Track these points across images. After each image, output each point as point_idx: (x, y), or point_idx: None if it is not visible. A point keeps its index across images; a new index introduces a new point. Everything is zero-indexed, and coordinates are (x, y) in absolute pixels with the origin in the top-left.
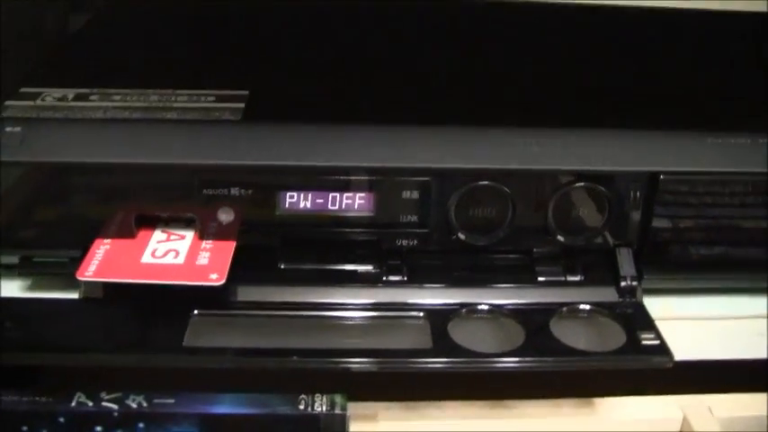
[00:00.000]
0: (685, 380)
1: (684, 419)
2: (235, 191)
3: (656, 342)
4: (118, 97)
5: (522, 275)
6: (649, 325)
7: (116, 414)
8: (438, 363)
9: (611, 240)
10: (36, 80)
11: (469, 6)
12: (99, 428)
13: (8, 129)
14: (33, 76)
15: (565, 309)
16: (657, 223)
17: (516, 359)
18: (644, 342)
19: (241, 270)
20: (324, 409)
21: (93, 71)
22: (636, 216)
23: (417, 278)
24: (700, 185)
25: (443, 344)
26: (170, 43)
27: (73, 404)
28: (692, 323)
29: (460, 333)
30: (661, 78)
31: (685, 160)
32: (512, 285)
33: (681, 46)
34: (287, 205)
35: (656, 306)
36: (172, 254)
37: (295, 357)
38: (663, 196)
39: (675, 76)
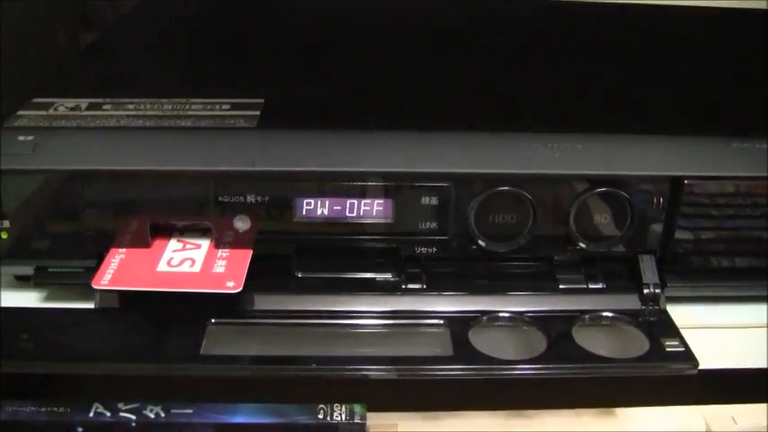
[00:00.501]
0: (708, 389)
1: (707, 429)
2: (251, 198)
3: (681, 349)
4: (131, 106)
5: (542, 283)
6: (673, 332)
7: (134, 424)
8: (459, 370)
9: (633, 247)
10: (49, 90)
11: (488, 10)
12: None
13: (21, 137)
14: (46, 86)
15: (587, 316)
16: (681, 230)
17: (539, 366)
18: (668, 349)
19: (258, 278)
20: (343, 418)
21: (106, 81)
22: (659, 222)
23: (437, 286)
24: (724, 191)
25: (464, 351)
26: (184, 53)
27: (90, 415)
28: (714, 332)
29: (481, 341)
30: (682, 82)
31: (709, 165)
32: (533, 293)
33: (701, 48)
34: (304, 213)
35: (677, 314)
36: (188, 262)
37: (314, 365)
38: (687, 201)
39: (697, 80)
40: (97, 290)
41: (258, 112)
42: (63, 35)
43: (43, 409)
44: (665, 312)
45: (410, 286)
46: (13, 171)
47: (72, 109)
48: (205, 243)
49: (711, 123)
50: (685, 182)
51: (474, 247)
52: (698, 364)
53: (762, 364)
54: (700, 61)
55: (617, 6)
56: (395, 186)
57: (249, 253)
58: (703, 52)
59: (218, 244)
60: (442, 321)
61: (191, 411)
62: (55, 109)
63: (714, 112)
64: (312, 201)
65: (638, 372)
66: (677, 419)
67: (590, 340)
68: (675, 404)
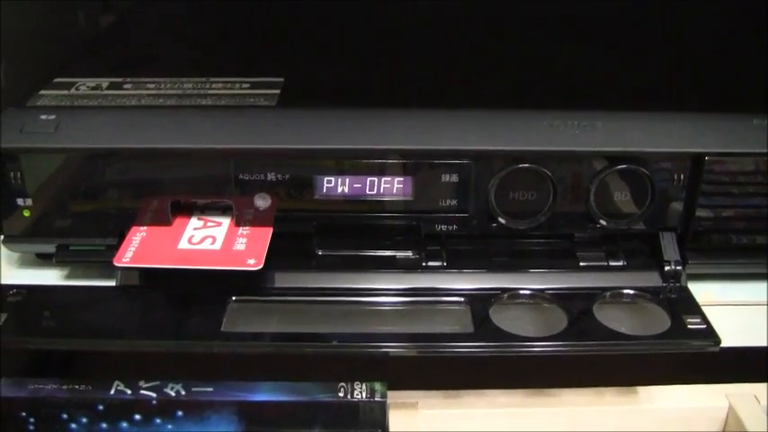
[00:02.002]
0: (731, 367)
1: (730, 408)
2: (271, 176)
3: (703, 326)
4: (152, 85)
5: (563, 260)
6: (695, 309)
7: (154, 402)
8: (480, 347)
9: (653, 225)
10: (70, 70)
11: None
12: (138, 417)
13: (43, 116)
14: (67, 66)
15: (608, 294)
16: (702, 207)
17: (560, 343)
18: (690, 326)
19: (278, 256)
20: (363, 396)
21: (126, 61)
22: (679, 199)
23: (457, 263)
24: (745, 168)
25: (485, 328)
26: (203, 33)
27: (112, 392)
28: (736, 309)
29: (502, 318)
30: (703, 59)
31: (730, 142)
32: (553, 270)
33: (722, 25)
34: (324, 190)
35: (698, 292)
36: (209, 240)
37: (335, 342)
38: (707, 178)
39: (718, 57)
40: (119, 267)
41: (278, 91)
42: (83, 15)
43: (65, 387)
44: (687, 289)
45: (430, 264)
46: (36, 149)
47: (93, 88)
48: (226, 221)
49: (732, 100)
50: (706, 158)
51: (494, 224)
52: (720, 342)
53: None
54: (721, 38)
55: None
56: (415, 164)
57: (269, 231)
58: (725, 29)
59: (238, 222)
60: (462, 299)
61: (211, 389)
62: (76, 88)
63: (735, 90)
64: (332, 178)
65: (660, 349)
66: (699, 398)
67: (611, 318)
68: (697, 382)
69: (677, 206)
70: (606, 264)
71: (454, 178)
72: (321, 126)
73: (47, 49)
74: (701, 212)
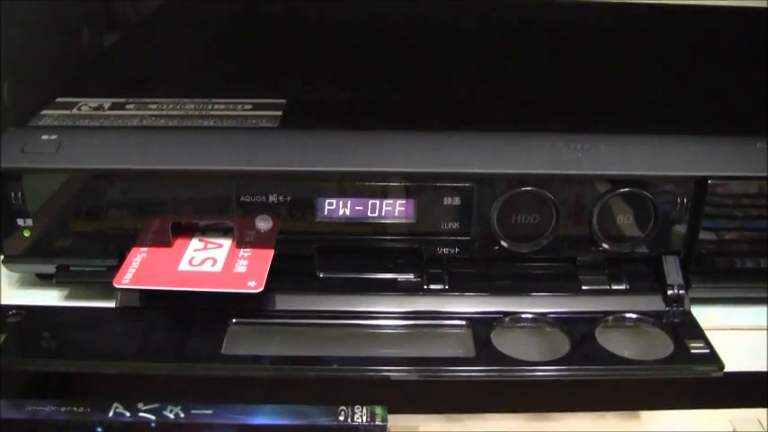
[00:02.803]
0: (734, 392)
1: None
2: (272, 198)
3: (706, 350)
4: (154, 106)
5: (565, 284)
6: (698, 333)
7: (153, 425)
8: (481, 371)
9: (656, 248)
10: (72, 90)
11: (511, 10)
12: None
13: (45, 137)
14: (70, 85)
15: (610, 318)
16: (705, 230)
17: (562, 368)
18: (693, 351)
19: (279, 278)
20: (364, 420)
21: (128, 81)
22: (682, 223)
23: (459, 286)
24: (748, 191)
25: (487, 352)
26: (206, 53)
27: (110, 414)
28: (739, 334)
29: (504, 342)
30: (706, 82)
31: (733, 165)
32: (555, 294)
33: (725, 48)
34: (326, 213)
35: (702, 316)
36: (209, 262)
37: (335, 365)
38: (711, 202)
39: (720, 80)
40: (119, 289)
41: (280, 113)
42: (87, 35)
43: (63, 409)
44: (690, 314)
45: (432, 287)
46: (37, 170)
47: (95, 108)
48: (227, 242)
49: (735, 123)
50: (709, 182)
51: (496, 247)
52: (723, 367)
53: None
54: (724, 61)
55: (641, 6)
56: (417, 186)
57: (271, 253)
58: (728, 52)
59: (239, 243)
60: (464, 322)
61: (211, 412)
62: (78, 108)
63: (737, 113)
64: (334, 201)
65: (663, 374)
66: (703, 423)
67: (613, 342)
68: (701, 407)
69: (680, 230)
70: (609, 287)
71: (456, 201)
72: (323, 148)
73: (50, 66)
74: (704, 236)
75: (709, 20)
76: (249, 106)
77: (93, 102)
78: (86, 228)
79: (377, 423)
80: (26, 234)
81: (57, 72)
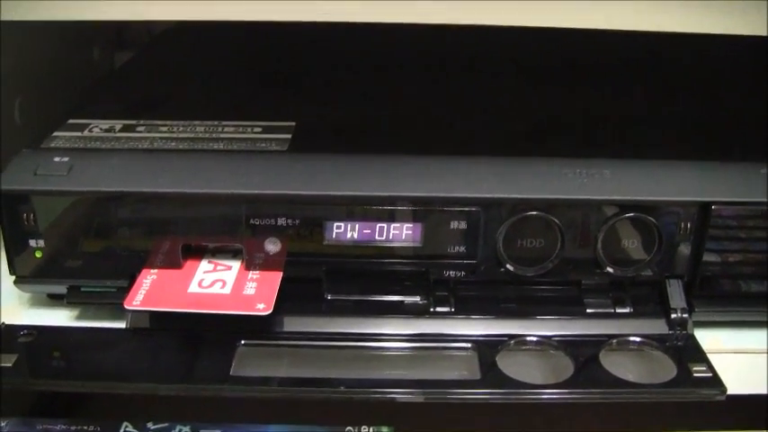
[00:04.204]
0: (737, 415)
1: None
2: (281, 221)
3: (709, 374)
4: (164, 128)
5: (570, 307)
6: (701, 357)
7: None
8: (486, 394)
9: (660, 272)
10: (84, 111)
11: (517, 37)
12: None
13: (57, 159)
14: (81, 107)
15: (614, 341)
16: (708, 255)
17: (566, 391)
18: (696, 374)
19: (288, 300)
20: None
21: (139, 103)
22: (686, 247)
23: (465, 309)
24: (751, 216)
25: (492, 375)
26: (215, 76)
27: None
28: (742, 357)
29: (509, 364)
30: (709, 108)
31: (737, 191)
32: (560, 317)
33: (728, 74)
34: (334, 236)
35: (705, 339)
36: (219, 284)
37: (342, 387)
38: (714, 228)
39: (723, 106)
40: (129, 310)
41: (289, 136)
42: (98, 51)
43: (73, 428)
44: (693, 337)
45: (438, 309)
46: (48, 192)
47: (106, 130)
48: (236, 265)
49: (738, 149)
50: (713, 207)
51: (502, 270)
52: (726, 390)
53: None
54: (726, 88)
55: (644, 34)
56: (424, 210)
57: (279, 275)
58: (730, 79)
59: (248, 266)
60: (469, 345)
61: None
62: (90, 130)
63: (740, 139)
64: (342, 224)
65: (666, 397)
66: None
67: (617, 365)
68: (703, 430)
69: (684, 254)
70: (613, 311)
71: (463, 225)
72: (331, 172)
73: (61, 84)
74: (707, 260)
75: (713, 47)
76: (259, 129)
77: (105, 123)
78: (97, 249)
79: None
80: (38, 255)
81: (67, 90)
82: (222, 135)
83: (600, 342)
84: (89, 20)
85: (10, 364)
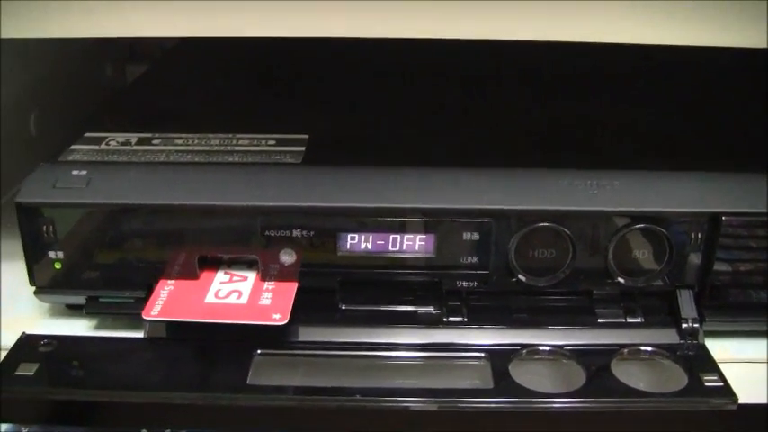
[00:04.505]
0: (748, 425)
1: None
2: (296, 233)
3: (720, 384)
4: (180, 141)
5: (581, 317)
6: (712, 366)
7: None
8: (499, 403)
9: (671, 282)
10: (99, 125)
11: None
12: None
13: (75, 172)
14: (97, 121)
15: (626, 350)
16: (719, 265)
17: (578, 400)
18: (707, 384)
19: (302, 310)
20: None
21: (154, 116)
22: (696, 258)
23: (477, 319)
24: (762, 226)
25: (505, 384)
26: (228, 90)
27: None
28: (753, 366)
29: (521, 373)
30: (719, 119)
31: (747, 201)
32: (572, 327)
33: (738, 85)
34: (348, 247)
35: (716, 349)
36: (235, 294)
37: (357, 396)
38: (724, 238)
39: (733, 117)
40: (147, 320)
41: (303, 148)
42: (110, 64)
43: None
44: (704, 347)
45: (451, 319)
46: (68, 205)
47: (123, 144)
48: (251, 275)
49: (748, 160)
50: (723, 218)
51: (514, 281)
52: (737, 400)
53: None
54: (736, 98)
55: (652, 47)
56: (437, 222)
57: (295, 285)
58: (740, 89)
59: (264, 276)
60: (482, 354)
61: None
62: (106, 143)
63: (750, 149)
64: (356, 235)
65: (677, 406)
66: None
67: (629, 374)
68: None
69: (694, 264)
70: (624, 320)
71: (475, 236)
72: (345, 184)
73: (76, 99)
74: (717, 270)
75: (721, 59)
76: (273, 142)
77: (121, 137)
78: (115, 260)
79: None
80: (57, 266)
81: (81, 105)
82: (237, 148)
83: (611, 351)
84: (91, 37)
85: (31, 373)
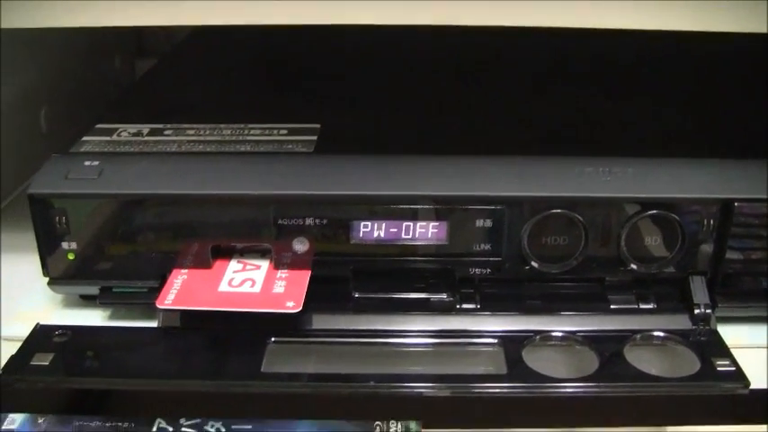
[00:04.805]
0: (759, 409)
1: None
2: (309, 221)
3: (732, 368)
4: (191, 132)
5: (594, 303)
6: (724, 351)
7: None
8: (513, 388)
9: (683, 269)
10: (111, 116)
11: (536, 37)
12: None
13: (87, 163)
14: (108, 112)
15: (638, 336)
16: (731, 251)
17: (591, 385)
18: (719, 368)
19: (316, 299)
20: None
21: (166, 108)
22: (709, 244)
23: (490, 306)
24: None
25: (518, 370)
26: (239, 80)
27: (153, 430)
28: (765, 352)
29: (535, 359)
30: (731, 106)
31: (759, 188)
32: (584, 313)
33: (749, 72)
34: (361, 235)
35: (728, 334)
36: (248, 283)
37: (371, 382)
38: (737, 224)
39: (745, 104)
40: (161, 309)
41: (315, 137)
42: (119, 58)
43: (108, 424)
44: (716, 332)
45: (464, 306)
46: (81, 195)
47: (134, 134)
48: (264, 264)
49: (760, 146)
50: (735, 204)
51: (527, 268)
52: (749, 384)
53: None
54: (749, 84)
55: (666, 33)
56: (450, 209)
57: (308, 274)
58: (753, 76)
59: (277, 265)
60: (495, 340)
61: (250, 427)
62: (118, 134)
63: (763, 135)
64: (369, 223)
65: (689, 391)
66: None
67: (641, 360)
68: (727, 423)
69: (706, 251)
70: (636, 307)
71: (488, 223)
72: (358, 172)
73: (85, 93)
74: (730, 257)
75: (735, 44)
76: (285, 131)
77: (132, 128)
78: (128, 250)
79: None
80: (70, 257)
81: (90, 97)
82: (249, 137)
83: (624, 337)
84: (92, 26)
85: (46, 363)
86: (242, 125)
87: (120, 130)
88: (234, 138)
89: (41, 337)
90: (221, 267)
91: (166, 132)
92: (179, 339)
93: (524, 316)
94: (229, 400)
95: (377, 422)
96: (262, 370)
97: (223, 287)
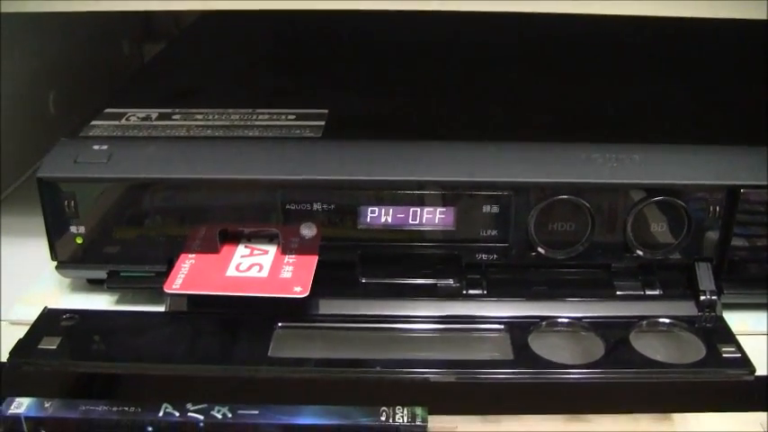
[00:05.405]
0: (765, 396)
1: None
2: (317, 206)
3: (738, 355)
4: (200, 116)
5: (600, 290)
6: (730, 338)
7: (201, 424)
8: (519, 374)
9: (689, 255)
10: (120, 101)
11: (543, 23)
12: None
13: (96, 147)
14: (117, 97)
15: (644, 322)
16: (737, 238)
17: (597, 371)
18: (725, 355)
19: (323, 284)
20: (404, 420)
21: (174, 92)
22: (715, 231)
23: (497, 292)
24: None
25: (525, 355)
26: (247, 65)
27: (160, 414)
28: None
29: (541, 345)
30: (738, 92)
31: (765, 174)
32: (591, 299)
33: (755, 58)
34: (368, 220)
35: (733, 321)
36: (256, 268)
37: (378, 368)
38: (743, 210)
39: (751, 90)
40: (169, 294)
41: (323, 123)
42: (127, 43)
43: (114, 409)
44: (722, 319)
45: (471, 292)
46: (89, 179)
47: (143, 119)
48: (272, 249)
49: (767, 133)
50: (741, 191)
51: (533, 254)
52: (754, 370)
53: None
54: (756, 71)
55: (671, 20)
56: (456, 195)
57: (315, 259)
58: (759, 62)
59: (284, 250)
60: (502, 326)
61: (257, 412)
62: (127, 119)
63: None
64: (376, 209)
65: (695, 377)
66: (734, 425)
67: (647, 346)
68: (732, 410)
69: (712, 237)
70: (642, 293)
71: (495, 209)
72: (365, 158)
73: (93, 77)
74: (736, 243)
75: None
76: (293, 116)
77: (141, 112)
78: (136, 235)
79: (417, 423)
80: (78, 241)
81: (98, 82)
82: (257, 122)
83: (630, 323)
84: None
85: (54, 347)
86: (250, 110)
87: (129, 114)
88: (242, 122)
89: (49, 321)
90: (229, 252)
91: (175, 117)
92: (186, 324)
93: (531, 302)
94: (236, 384)
95: (383, 408)
96: (269, 355)
97: (231, 272)
